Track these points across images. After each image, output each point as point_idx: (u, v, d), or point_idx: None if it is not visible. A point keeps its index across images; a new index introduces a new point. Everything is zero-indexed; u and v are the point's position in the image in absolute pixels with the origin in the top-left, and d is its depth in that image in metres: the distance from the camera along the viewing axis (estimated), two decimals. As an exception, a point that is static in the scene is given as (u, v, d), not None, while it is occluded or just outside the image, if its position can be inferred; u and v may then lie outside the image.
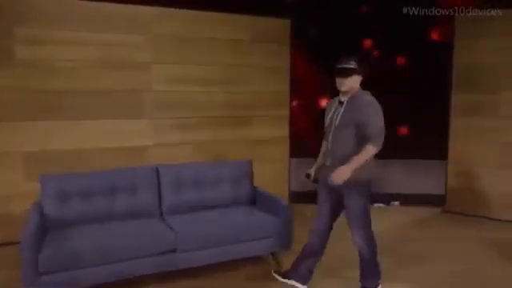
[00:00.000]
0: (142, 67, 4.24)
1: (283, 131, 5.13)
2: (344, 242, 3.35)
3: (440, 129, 5.31)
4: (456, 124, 5.08)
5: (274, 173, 5.07)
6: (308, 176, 3.02)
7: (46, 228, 3.02)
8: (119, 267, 2.85)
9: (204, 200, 3.63)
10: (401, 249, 3.93)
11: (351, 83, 2.75)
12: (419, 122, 7.23)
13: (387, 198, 5.64)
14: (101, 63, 3.99)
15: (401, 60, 7.66)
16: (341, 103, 2.80)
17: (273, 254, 3.50)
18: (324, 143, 2.97)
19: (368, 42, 7.58)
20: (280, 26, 4.96)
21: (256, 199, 3.81)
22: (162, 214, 3.46)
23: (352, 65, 2.72)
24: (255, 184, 3.91)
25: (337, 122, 2.78)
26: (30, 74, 3.81)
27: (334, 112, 2.84)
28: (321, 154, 3.03)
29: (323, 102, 7.33)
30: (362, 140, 2.68)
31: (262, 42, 4.86)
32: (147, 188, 3.43)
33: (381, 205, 5.50)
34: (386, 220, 4.82)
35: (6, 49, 3.74)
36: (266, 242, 3.33)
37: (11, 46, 3.75)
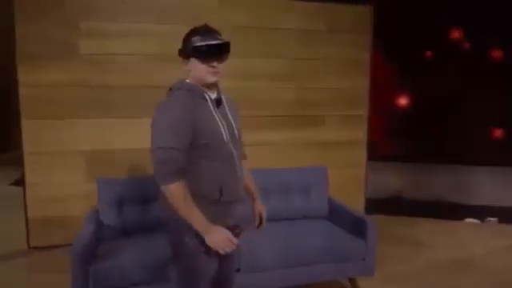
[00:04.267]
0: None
1: (360, 133, 4.55)
2: None
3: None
4: None
5: (348, 179, 4.52)
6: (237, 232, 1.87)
7: (101, 236, 2.78)
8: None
9: (272, 211, 3.16)
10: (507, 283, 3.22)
11: (224, 69, 1.79)
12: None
13: (481, 213, 4.84)
14: (162, 57, 3.71)
15: (496, 54, 6.65)
16: (218, 102, 1.80)
17: (351, 279, 2.99)
18: (214, 167, 1.74)
19: (456, 32, 6.67)
20: (360, 14, 4.38)
21: (331, 212, 3.31)
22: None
23: (224, 37, 1.77)
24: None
25: (236, 132, 1.83)
26: (93, 69, 3.64)
27: (214, 116, 1.75)
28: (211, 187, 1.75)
29: (403, 100, 6.57)
30: None
31: (338, 32, 4.32)
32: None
33: (474, 220, 4.72)
34: (481, 242, 4.07)
35: (72, 43, 3.59)
36: (344, 265, 2.83)
37: (76, 41, 3.60)
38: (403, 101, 6.54)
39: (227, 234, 1.69)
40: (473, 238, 4.12)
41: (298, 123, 4.31)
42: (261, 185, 3.19)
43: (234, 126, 1.82)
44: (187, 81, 1.78)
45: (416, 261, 3.54)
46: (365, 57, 4.45)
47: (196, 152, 1.68)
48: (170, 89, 1.80)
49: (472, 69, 5.80)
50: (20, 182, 3.66)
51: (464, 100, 5.80)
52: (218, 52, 1.72)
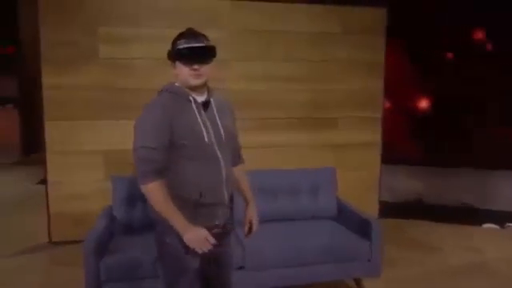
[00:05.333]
0: (220, 64, 4.00)
1: (374, 135, 4.53)
2: None
3: None
4: None
5: (362, 182, 4.50)
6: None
7: (113, 232, 2.91)
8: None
9: (280, 211, 3.26)
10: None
11: (210, 71, 1.82)
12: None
13: (501, 218, 4.72)
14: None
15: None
16: (204, 104, 1.82)
17: (356, 280, 3.00)
18: (195, 168, 1.76)
19: (480, 33, 6.52)
20: (374, 16, 4.38)
21: (339, 213, 3.33)
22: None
23: (210, 41, 1.81)
24: (339, 194, 3.44)
25: (223, 134, 1.84)
26: (111, 73, 3.80)
27: (197, 118, 1.77)
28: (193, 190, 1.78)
29: (423, 102, 6.47)
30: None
31: (352, 35, 4.33)
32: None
33: (492, 226, 4.61)
34: (497, 247, 3.98)
35: (91, 47, 3.76)
36: (349, 265, 2.85)
37: (96, 45, 3.77)
38: (423, 103, 6.45)
39: (204, 233, 1.71)
40: (489, 244, 4.03)
41: (311, 125, 4.34)
42: (270, 185, 3.30)
43: (222, 128, 1.83)
44: (176, 84, 1.83)
45: (426, 265, 3.51)
46: (379, 58, 4.44)
47: (176, 152, 1.72)
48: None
49: (494, 70, 5.67)
50: (44, 180, 3.86)
51: (485, 102, 5.68)
52: (198, 55, 1.75)
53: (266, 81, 4.17)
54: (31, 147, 8.30)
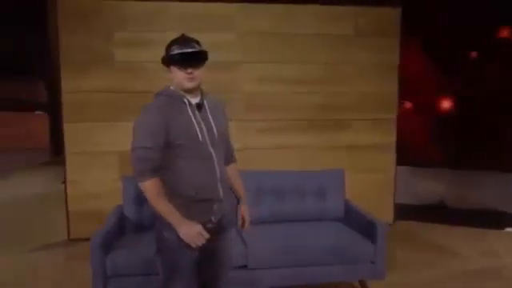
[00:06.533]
0: (231, 67, 4.08)
1: (389, 137, 4.47)
2: None
3: None
4: None
5: (377, 184, 4.46)
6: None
7: (123, 230, 3.01)
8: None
9: (287, 212, 3.27)
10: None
11: (202, 74, 1.89)
12: None
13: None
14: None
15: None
16: (198, 106, 1.89)
17: (361, 281, 2.98)
18: (190, 166, 1.84)
19: (506, 31, 6.29)
20: (388, 16, 4.33)
21: (347, 214, 3.32)
22: (239, 224, 3.20)
23: (202, 46, 1.89)
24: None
25: (216, 134, 1.91)
26: (126, 76, 3.94)
27: (191, 119, 1.85)
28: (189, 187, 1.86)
29: (446, 102, 6.28)
30: None
31: (365, 36, 4.30)
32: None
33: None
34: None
35: (107, 52, 3.91)
36: (353, 267, 2.83)
37: (111, 49, 3.92)
38: (447, 103, 6.28)
39: (198, 228, 1.79)
40: (509, 248, 3.89)
41: (324, 127, 4.34)
42: (277, 186, 3.32)
43: (215, 128, 1.91)
44: (171, 87, 1.92)
45: (438, 268, 3.43)
46: (393, 59, 4.38)
47: (172, 152, 1.81)
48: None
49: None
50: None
51: (509, 103, 5.47)
52: (192, 59, 1.82)
53: (278, 83, 4.20)
54: (60, 148, 8.64)
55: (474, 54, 6.18)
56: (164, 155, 1.80)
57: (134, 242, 2.81)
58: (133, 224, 3.06)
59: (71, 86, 3.88)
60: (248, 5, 4.09)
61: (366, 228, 2.94)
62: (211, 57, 3.73)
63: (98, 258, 2.55)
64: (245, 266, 2.73)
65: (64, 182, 4.08)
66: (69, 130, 3.94)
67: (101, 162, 3.99)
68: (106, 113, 3.97)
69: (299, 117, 4.28)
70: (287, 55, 4.19)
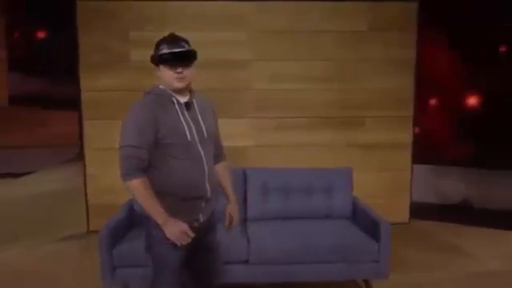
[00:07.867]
0: (242, 65, 4.12)
1: (405, 135, 4.38)
2: None
3: None
4: None
5: (392, 183, 4.39)
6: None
7: (133, 224, 3.12)
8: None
9: (294, 210, 3.29)
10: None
11: (193, 74, 1.91)
12: None
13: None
14: (203, 63, 3.99)
15: None
16: (187, 105, 1.92)
17: (366, 280, 2.96)
18: (179, 165, 1.87)
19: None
20: (404, 11, 4.23)
21: (354, 213, 3.30)
22: (245, 220, 3.25)
23: (191, 45, 1.89)
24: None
25: (205, 133, 1.93)
26: (141, 76, 4.04)
27: (180, 118, 1.89)
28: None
29: (472, 100, 6.05)
30: None
31: (381, 31, 4.23)
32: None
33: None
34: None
35: (123, 52, 4.05)
36: (356, 265, 2.82)
37: (127, 49, 4.05)
38: (473, 100, 6.06)
39: (183, 226, 1.82)
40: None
41: (337, 125, 4.30)
42: (285, 184, 3.34)
43: (204, 127, 1.93)
44: (160, 86, 1.95)
45: (447, 269, 3.35)
46: (410, 55, 4.28)
47: (160, 150, 1.84)
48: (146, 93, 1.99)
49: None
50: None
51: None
52: (181, 59, 1.85)
53: (290, 81, 4.20)
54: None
55: (502, 49, 5.94)
56: (153, 154, 1.83)
57: (141, 236, 2.90)
58: (141, 218, 3.15)
59: (89, 85, 4.05)
60: (262, 3, 4.11)
61: (371, 227, 2.92)
62: (223, 55, 3.92)
63: (106, 250, 2.67)
64: (246, 261, 2.77)
65: (84, 177, 4.26)
66: (88, 126, 4.11)
67: (114, 158, 4.12)
68: (122, 111, 4.05)
69: (312, 115, 4.27)
70: (299, 53, 4.18)
